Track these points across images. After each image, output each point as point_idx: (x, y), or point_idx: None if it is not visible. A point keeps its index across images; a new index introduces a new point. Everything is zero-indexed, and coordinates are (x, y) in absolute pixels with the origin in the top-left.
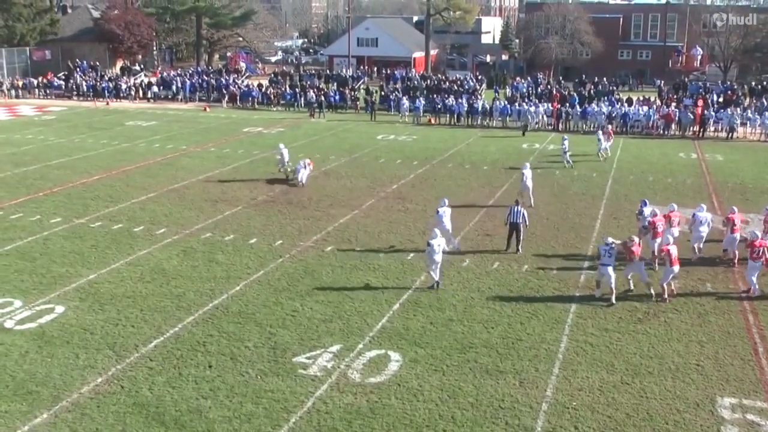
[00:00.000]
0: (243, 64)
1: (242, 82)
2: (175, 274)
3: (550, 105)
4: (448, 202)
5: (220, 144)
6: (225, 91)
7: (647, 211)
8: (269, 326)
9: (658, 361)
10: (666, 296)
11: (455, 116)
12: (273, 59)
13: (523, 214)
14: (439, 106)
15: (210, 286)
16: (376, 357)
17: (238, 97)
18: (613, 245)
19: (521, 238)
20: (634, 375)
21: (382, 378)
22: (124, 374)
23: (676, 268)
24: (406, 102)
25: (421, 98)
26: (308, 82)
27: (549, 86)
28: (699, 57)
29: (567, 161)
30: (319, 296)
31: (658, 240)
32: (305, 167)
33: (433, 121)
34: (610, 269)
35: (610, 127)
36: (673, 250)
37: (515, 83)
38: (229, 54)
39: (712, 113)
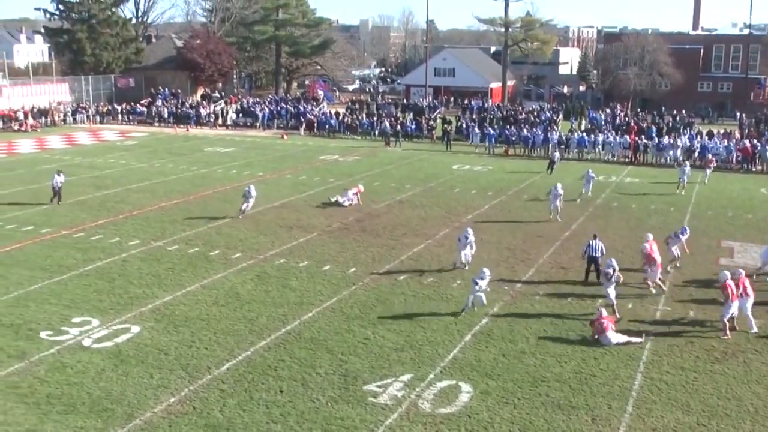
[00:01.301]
0: (321, 92)
1: (320, 110)
2: (248, 298)
3: (627, 137)
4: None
5: (297, 171)
6: (302, 119)
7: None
8: (341, 353)
9: (736, 403)
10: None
11: (530, 147)
12: (350, 88)
13: (602, 248)
14: (515, 137)
15: (283, 311)
16: (446, 387)
17: (315, 125)
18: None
19: (600, 270)
20: (710, 416)
21: (453, 409)
22: (197, 395)
23: (737, 302)
24: (478, 131)
25: (495, 128)
26: (385, 111)
27: (627, 118)
28: None
29: (586, 190)
30: (391, 325)
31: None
32: (354, 195)
33: (509, 152)
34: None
35: (710, 155)
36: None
37: (592, 114)
38: (307, 82)
39: None
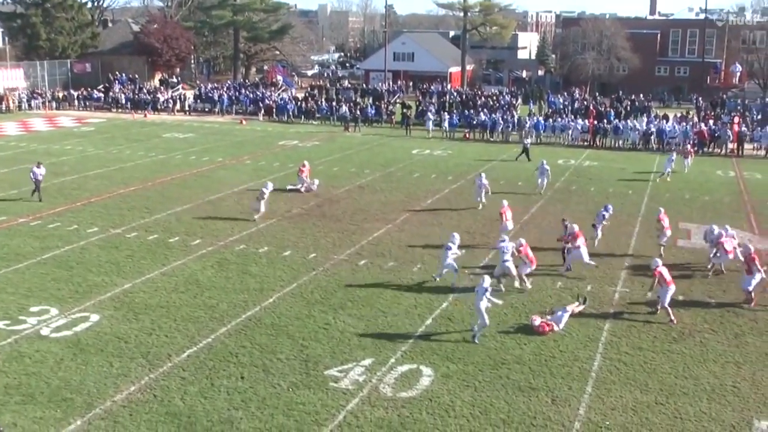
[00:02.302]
0: (280, 78)
1: (278, 95)
2: (209, 285)
3: (586, 121)
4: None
5: (256, 157)
6: (261, 105)
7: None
8: (301, 339)
9: (693, 382)
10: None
11: (489, 131)
12: (309, 73)
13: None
14: (474, 121)
15: (243, 297)
16: (408, 371)
17: (274, 111)
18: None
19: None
20: (668, 395)
21: (414, 393)
22: (157, 383)
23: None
24: (431, 117)
25: (455, 113)
26: (344, 96)
27: (585, 102)
28: (738, 73)
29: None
30: (351, 310)
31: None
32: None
33: (468, 136)
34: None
35: (689, 146)
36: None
37: (551, 98)
38: (266, 67)
39: (751, 130)
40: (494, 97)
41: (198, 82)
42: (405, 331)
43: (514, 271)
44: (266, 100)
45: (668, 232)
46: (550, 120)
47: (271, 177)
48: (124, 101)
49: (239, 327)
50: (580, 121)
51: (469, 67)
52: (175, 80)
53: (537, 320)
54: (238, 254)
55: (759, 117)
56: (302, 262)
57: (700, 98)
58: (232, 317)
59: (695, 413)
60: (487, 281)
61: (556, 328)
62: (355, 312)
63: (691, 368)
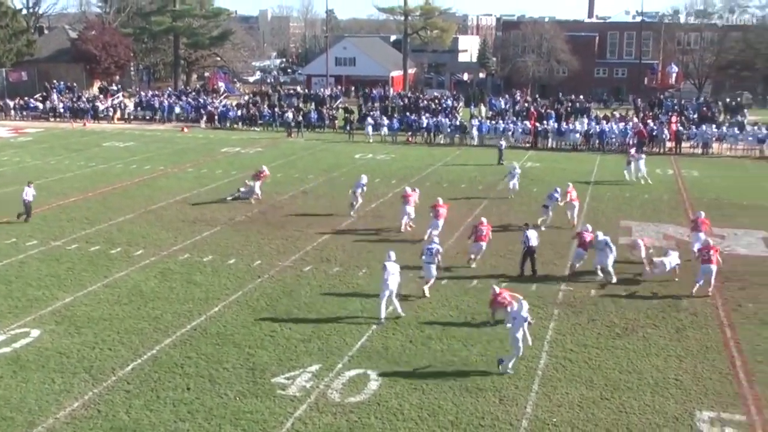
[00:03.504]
0: (221, 84)
1: (220, 102)
2: (152, 295)
3: (527, 123)
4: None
5: (198, 164)
6: (203, 111)
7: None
8: (248, 347)
9: (637, 376)
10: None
11: (432, 134)
12: (251, 79)
13: (536, 236)
14: (416, 125)
15: (188, 307)
16: (355, 376)
17: (216, 118)
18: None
19: (535, 260)
20: (613, 390)
21: (362, 397)
22: (101, 398)
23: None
24: (371, 121)
25: (397, 117)
26: (286, 102)
27: (526, 104)
28: (674, 74)
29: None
30: (297, 316)
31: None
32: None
33: (410, 140)
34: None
35: (632, 151)
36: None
37: (493, 101)
38: (207, 74)
39: (687, 129)
40: (436, 101)
41: (138, 89)
42: (352, 336)
43: (435, 274)
44: (208, 107)
45: (575, 203)
46: (492, 122)
47: (214, 185)
48: (62, 110)
49: (184, 337)
50: (521, 123)
51: (410, 71)
52: (114, 88)
53: (496, 290)
54: (181, 264)
55: (695, 116)
56: (247, 269)
57: (638, 99)
58: (176, 328)
59: (639, 407)
60: (526, 308)
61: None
62: (301, 318)
63: (635, 363)
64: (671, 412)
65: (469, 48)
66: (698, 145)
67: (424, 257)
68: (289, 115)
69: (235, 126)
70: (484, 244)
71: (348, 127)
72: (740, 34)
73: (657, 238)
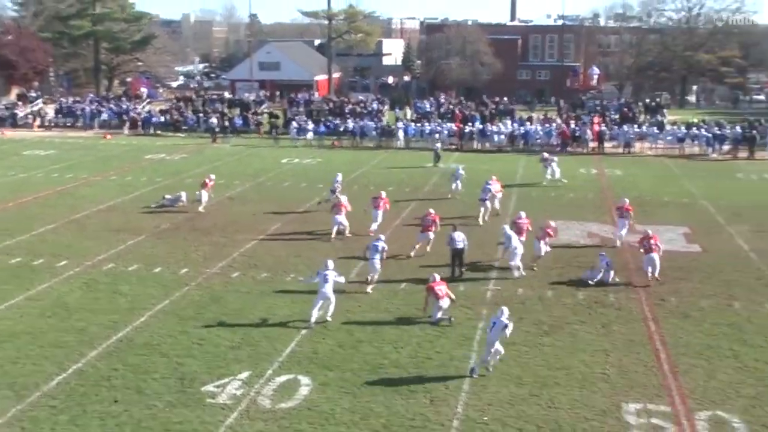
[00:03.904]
0: (144, 90)
1: (143, 107)
2: (77, 307)
3: (453, 125)
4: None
5: (122, 172)
6: (126, 118)
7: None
8: (176, 356)
9: (565, 372)
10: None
11: (358, 138)
12: (174, 84)
13: (463, 239)
14: (342, 129)
15: (114, 318)
16: (285, 382)
17: (139, 124)
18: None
19: (463, 262)
20: (542, 386)
21: (293, 403)
22: (25, 415)
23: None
24: (296, 126)
25: (321, 121)
26: (211, 107)
27: (451, 106)
28: (595, 76)
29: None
30: (226, 323)
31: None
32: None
33: (336, 144)
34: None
35: (545, 154)
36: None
37: (418, 104)
38: (129, 79)
39: (609, 129)
40: (361, 104)
41: (58, 95)
42: (281, 342)
43: (378, 269)
44: (131, 113)
45: (499, 195)
46: (418, 125)
47: (138, 193)
48: None
49: (110, 349)
50: (447, 125)
51: (335, 75)
52: (33, 94)
53: (437, 278)
54: (106, 274)
55: (617, 116)
56: (174, 278)
57: (561, 100)
58: (102, 339)
59: (568, 401)
60: (506, 314)
61: (441, 302)
62: (230, 325)
63: (563, 359)
64: (599, 406)
65: (393, 51)
66: (620, 145)
67: (368, 253)
68: (214, 120)
69: (159, 132)
70: (431, 234)
71: (274, 132)
72: (658, 37)
73: (582, 236)
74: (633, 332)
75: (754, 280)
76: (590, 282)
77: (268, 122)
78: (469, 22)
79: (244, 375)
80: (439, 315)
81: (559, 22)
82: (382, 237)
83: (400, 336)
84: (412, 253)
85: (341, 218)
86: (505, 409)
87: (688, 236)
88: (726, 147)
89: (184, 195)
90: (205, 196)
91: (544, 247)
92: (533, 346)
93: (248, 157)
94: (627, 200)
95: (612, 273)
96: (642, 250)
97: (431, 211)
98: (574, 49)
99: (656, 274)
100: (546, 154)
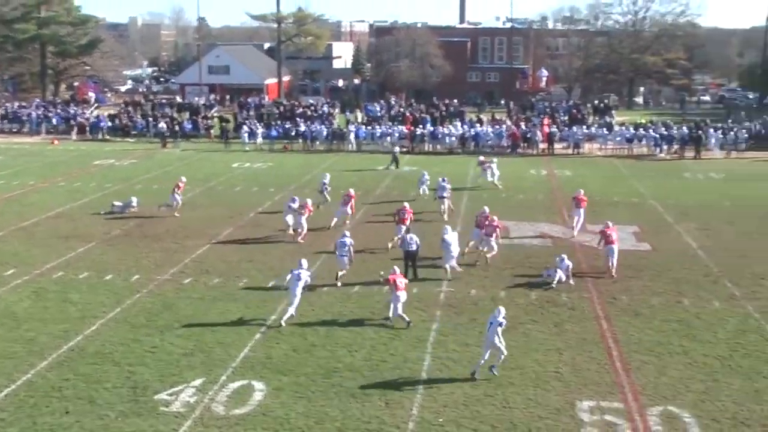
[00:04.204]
0: (92, 94)
1: (91, 112)
2: (26, 317)
3: (403, 128)
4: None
5: (71, 178)
6: (73, 123)
7: None
8: (128, 365)
9: (519, 372)
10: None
11: (309, 141)
12: (123, 89)
13: (416, 240)
14: (293, 132)
15: (64, 327)
16: (239, 388)
17: (87, 129)
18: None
19: (416, 265)
20: (496, 387)
21: (247, 409)
22: None
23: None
24: (247, 130)
25: (272, 125)
26: (160, 112)
27: (402, 109)
28: (544, 78)
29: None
30: (179, 330)
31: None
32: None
33: (287, 148)
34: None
35: (481, 157)
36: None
37: (369, 107)
38: (76, 84)
39: (559, 131)
40: (312, 108)
41: (3, 101)
42: (234, 347)
43: (347, 266)
44: (78, 118)
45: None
46: (369, 128)
47: (87, 199)
48: None
49: (61, 359)
50: (397, 127)
51: (285, 78)
52: None
53: (397, 270)
54: (56, 282)
55: (566, 118)
56: (125, 285)
57: (511, 102)
58: (52, 349)
59: (522, 401)
60: (503, 313)
61: (399, 293)
62: (183, 332)
63: (517, 359)
64: (553, 404)
65: (343, 54)
66: (570, 146)
67: (337, 251)
68: (163, 125)
69: (108, 137)
70: (404, 227)
71: (224, 136)
72: (605, 40)
73: (533, 236)
74: (585, 331)
75: (702, 277)
76: (552, 285)
77: (219, 126)
78: (419, 25)
79: (198, 382)
80: (399, 310)
81: (508, 25)
82: (347, 233)
83: (354, 339)
84: (390, 245)
85: (303, 220)
86: (460, 410)
87: (638, 235)
88: (674, 147)
89: (134, 200)
90: (177, 199)
91: (494, 243)
92: None
93: (198, 161)
94: (582, 191)
95: (567, 277)
96: (602, 242)
97: (406, 205)
98: (523, 51)
99: (614, 266)
100: (482, 158)
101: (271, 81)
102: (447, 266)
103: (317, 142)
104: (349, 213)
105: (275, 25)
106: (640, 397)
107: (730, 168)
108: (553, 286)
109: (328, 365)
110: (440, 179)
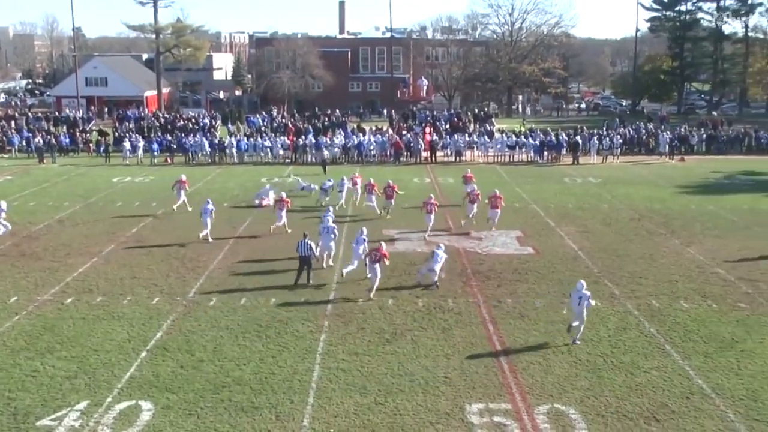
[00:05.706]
0: None
1: None
2: None
3: (286, 139)
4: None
5: None
6: None
7: None
8: (7, 391)
9: (408, 378)
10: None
11: (191, 154)
12: None
13: (311, 246)
14: (175, 145)
15: None
16: (126, 409)
17: None
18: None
19: (311, 271)
20: (386, 394)
21: (135, 430)
22: None
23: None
24: (128, 143)
25: (153, 138)
26: (35, 126)
27: (284, 120)
28: (425, 87)
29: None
30: (61, 352)
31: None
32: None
33: (169, 161)
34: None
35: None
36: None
37: (250, 118)
38: None
39: (441, 139)
40: (193, 120)
41: None
42: (120, 367)
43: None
44: None
45: (359, 189)
46: (251, 140)
47: None
48: None
49: None
50: (280, 138)
51: (165, 90)
52: None
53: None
54: None
55: (447, 126)
56: (2, 307)
57: (392, 111)
58: None
59: (413, 407)
60: (585, 285)
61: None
62: (65, 354)
63: (406, 366)
64: (443, 409)
65: (223, 65)
66: (451, 154)
67: (321, 237)
68: (39, 139)
69: None
70: (393, 201)
71: (103, 150)
72: (484, 49)
73: (418, 244)
74: (472, 335)
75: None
76: (436, 285)
77: (97, 140)
78: (299, 35)
79: (83, 405)
80: (375, 283)
81: (388, 35)
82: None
83: (242, 353)
84: (382, 213)
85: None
86: (351, 420)
87: (521, 239)
88: (553, 153)
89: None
90: (183, 195)
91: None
92: (376, 355)
93: (78, 177)
94: (432, 196)
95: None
96: (488, 205)
97: (389, 181)
98: (403, 61)
99: (494, 226)
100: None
101: (151, 93)
102: (344, 270)
103: (199, 155)
104: (283, 218)
105: (153, 36)
106: (528, 396)
107: (607, 172)
108: (437, 286)
109: (216, 380)
110: (342, 177)
